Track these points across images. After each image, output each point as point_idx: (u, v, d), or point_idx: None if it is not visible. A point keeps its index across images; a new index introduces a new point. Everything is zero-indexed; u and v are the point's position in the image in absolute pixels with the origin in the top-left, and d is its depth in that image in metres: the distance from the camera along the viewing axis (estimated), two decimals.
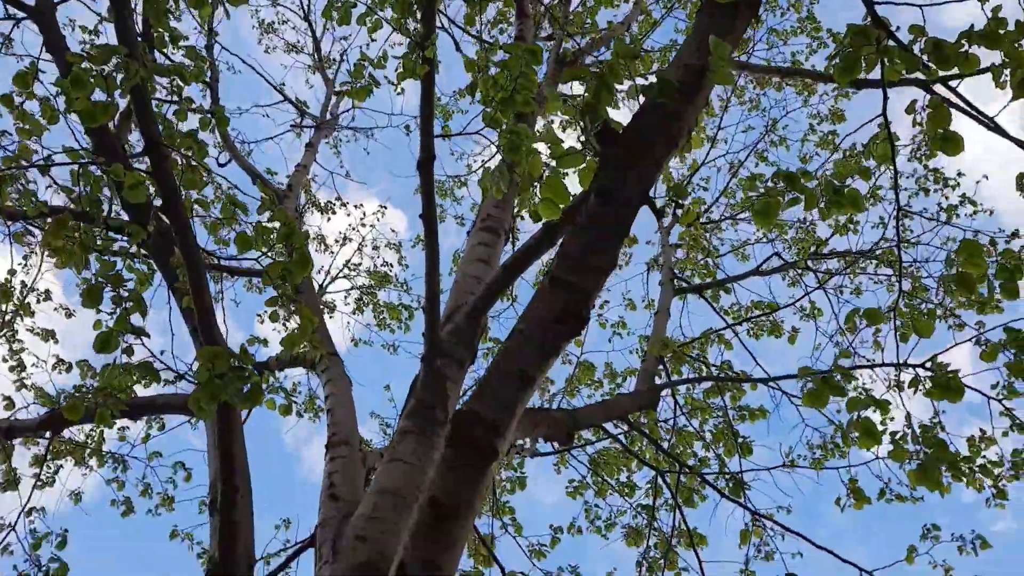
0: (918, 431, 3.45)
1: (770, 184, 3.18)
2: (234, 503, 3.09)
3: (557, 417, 4.76)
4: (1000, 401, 5.59)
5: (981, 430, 5.45)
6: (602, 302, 7.81)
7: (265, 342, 5.95)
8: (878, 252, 6.15)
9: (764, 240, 7.90)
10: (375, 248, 8.61)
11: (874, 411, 3.40)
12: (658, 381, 5.55)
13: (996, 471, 5.54)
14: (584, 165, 2.90)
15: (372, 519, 3.62)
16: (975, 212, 6.08)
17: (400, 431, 4.09)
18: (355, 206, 8.48)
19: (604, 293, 8.31)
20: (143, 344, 2.98)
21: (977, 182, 6.46)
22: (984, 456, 5.55)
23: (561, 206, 2.96)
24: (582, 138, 2.76)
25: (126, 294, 2.81)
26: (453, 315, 4.53)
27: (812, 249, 6.57)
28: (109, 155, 3.50)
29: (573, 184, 2.88)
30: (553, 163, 2.90)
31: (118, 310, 2.81)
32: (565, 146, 2.82)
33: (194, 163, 3.38)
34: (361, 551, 3.43)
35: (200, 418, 2.71)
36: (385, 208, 8.65)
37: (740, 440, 6.42)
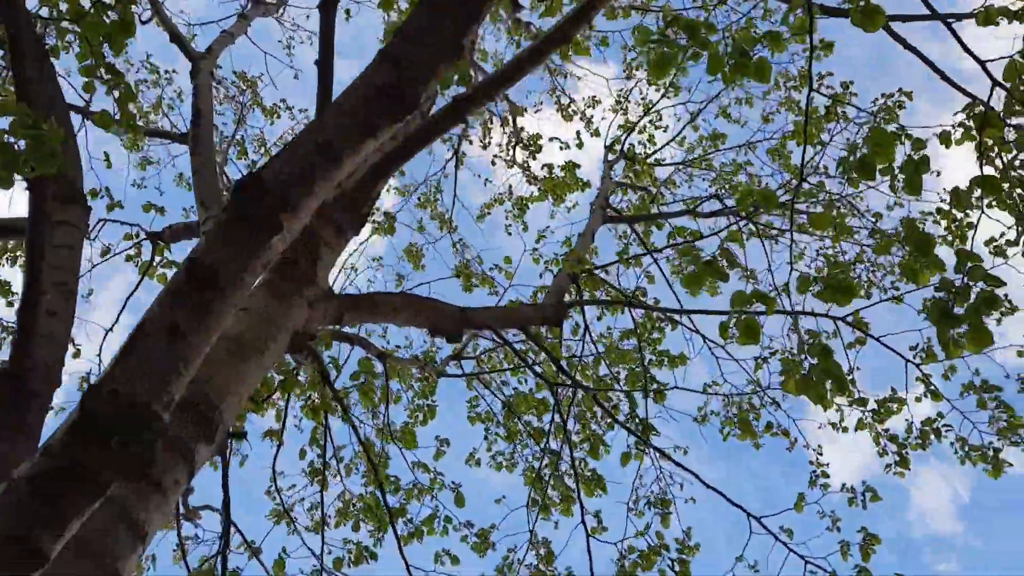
0: (806, 338, 3.19)
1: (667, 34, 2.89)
2: (33, 305, 2.78)
3: (445, 310, 4.48)
4: (918, 366, 5.39)
5: (892, 388, 5.24)
6: (538, 236, 7.52)
7: (162, 210, 5.59)
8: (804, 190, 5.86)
9: (715, 199, 7.66)
10: None
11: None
12: (568, 300, 5.28)
13: (898, 435, 5.36)
14: None
15: (203, 361, 3.33)
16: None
17: (258, 283, 3.80)
18: (299, 110, 8.14)
19: (549, 234, 8.04)
20: None
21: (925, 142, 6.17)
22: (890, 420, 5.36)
23: None
24: None
25: None
26: (343, 182, 4.23)
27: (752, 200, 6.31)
28: None
29: None
30: None
31: None
32: None
33: None
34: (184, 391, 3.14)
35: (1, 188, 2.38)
36: None
37: (655, 386, 6.19)
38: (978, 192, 2.64)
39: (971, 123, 2.79)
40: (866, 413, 4.95)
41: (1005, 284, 2.68)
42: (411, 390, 7.09)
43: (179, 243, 5.42)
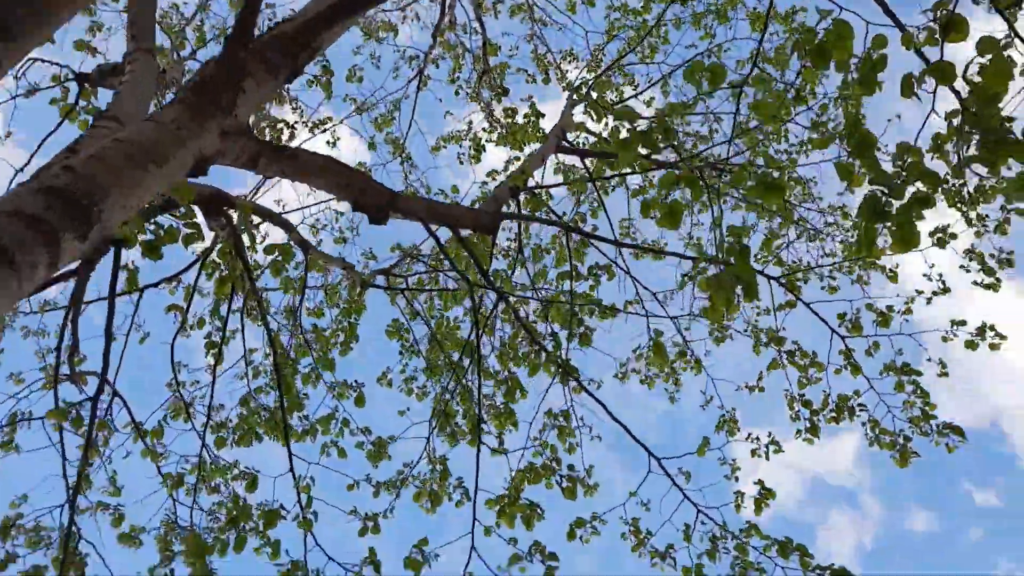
0: (727, 235, 3.02)
1: None
2: None
3: (375, 185, 4.26)
4: (843, 338, 5.33)
5: (813, 352, 5.16)
6: (489, 172, 7.31)
7: (94, 51, 5.22)
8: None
9: (671, 147, 7.53)
10: None
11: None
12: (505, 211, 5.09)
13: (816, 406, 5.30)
14: None
15: (93, 158, 3.04)
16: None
17: (173, 100, 3.54)
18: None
19: (502, 175, 7.82)
20: None
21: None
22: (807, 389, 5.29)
23: None
24: None
25: None
26: (282, 25, 3.98)
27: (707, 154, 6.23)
28: None
29: None
30: None
31: None
32: None
33: None
34: (61, 178, 2.86)
35: None
36: None
37: (582, 329, 6.04)
38: (931, 82, 2.52)
39: (936, 24, 2.68)
40: (782, 354, 4.86)
41: (946, 182, 2.56)
42: (336, 308, 6.85)
43: (107, 85, 5.08)
